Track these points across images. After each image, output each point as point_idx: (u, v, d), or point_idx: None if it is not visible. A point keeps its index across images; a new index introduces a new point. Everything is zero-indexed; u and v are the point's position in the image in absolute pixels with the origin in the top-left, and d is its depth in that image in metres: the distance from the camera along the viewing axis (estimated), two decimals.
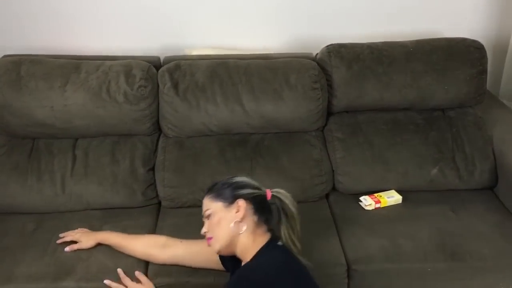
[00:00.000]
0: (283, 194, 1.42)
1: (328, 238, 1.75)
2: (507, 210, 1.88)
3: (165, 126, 2.04)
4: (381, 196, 1.92)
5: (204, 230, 1.43)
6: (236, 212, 1.37)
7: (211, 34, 2.33)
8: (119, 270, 1.58)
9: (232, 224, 1.36)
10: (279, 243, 1.37)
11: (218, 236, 1.39)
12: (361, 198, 1.92)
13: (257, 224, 1.38)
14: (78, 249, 1.67)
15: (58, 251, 1.69)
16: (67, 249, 1.69)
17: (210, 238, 1.40)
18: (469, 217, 1.84)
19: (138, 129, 2.02)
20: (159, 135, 2.09)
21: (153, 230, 1.82)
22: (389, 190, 1.97)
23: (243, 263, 1.39)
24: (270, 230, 1.41)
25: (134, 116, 1.97)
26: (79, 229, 1.77)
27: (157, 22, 2.28)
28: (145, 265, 1.65)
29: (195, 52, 2.23)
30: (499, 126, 2.08)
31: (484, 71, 2.08)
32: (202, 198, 1.46)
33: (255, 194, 1.40)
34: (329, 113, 2.13)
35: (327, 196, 2.03)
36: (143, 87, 1.95)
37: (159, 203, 1.98)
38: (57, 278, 1.59)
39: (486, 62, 2.08)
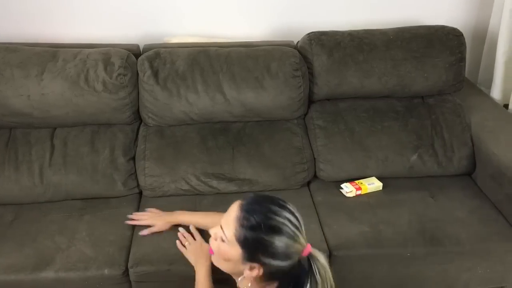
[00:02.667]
0: (318, 261, 1.15)
1: (309, 225, 1.76)
2: (485, 196, 1.91)
3: (145, 115, 2.02)
4: (361, 183, 1.93)
5: (213, 234, 1.23)
6: (248, 270, 1.16)
7: (191, 22, 2.30)
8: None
9: (239, 273, 1.19)
10: None
11: (219, 263, 1.24)
12: (342, 185, 1.94)
13: (266, 283, 1.19)
14: (156, 232, 1.68)
15: (38, 241, 1.67)
16: (144, 232, 1.67)
17: (211, 251, 1.25)
18: (448, 203, 1.87)
19: (118, 118, 2.00)
20: (140, 124, 2.07)
21: None
22: (370, 177, 1.98)
23: None
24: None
25: (114, 105, 1.95)
26: (149, 209, 1.77)
27: (136, 10, 2.25)
28: (126, 253, 1.65)
29: (175, 40, 2.21)
30: (477, 113, 2.11)
31: (462, 59, 2.10)
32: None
33: (279, 268, 1.14)
34: (310, 101, 2.13)
35: (308, 183, 2.03)
36: (122, 75, 1.92)
37: (140, 192, 1.97)
38: (37, 269, 1.58)
39: (465, 50, 2.11)
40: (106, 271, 1.58)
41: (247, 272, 1.16)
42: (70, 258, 1.61)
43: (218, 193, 1.93)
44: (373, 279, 1.74)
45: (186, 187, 1.91)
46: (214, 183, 1.92)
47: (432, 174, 2.01)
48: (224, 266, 1.23)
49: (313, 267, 1.13)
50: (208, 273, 1.45)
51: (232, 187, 1.92)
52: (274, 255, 1.12)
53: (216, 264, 1.27)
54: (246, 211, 1.14)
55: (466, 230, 1.74)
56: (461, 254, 1.71)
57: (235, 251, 1.15)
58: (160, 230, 1.69)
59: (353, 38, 2.07)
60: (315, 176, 2.05)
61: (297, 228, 1.14)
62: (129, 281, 1.63)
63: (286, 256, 1.12)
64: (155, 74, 1.96)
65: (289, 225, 1.13)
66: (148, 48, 2.09)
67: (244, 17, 2.33)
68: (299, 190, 1.98)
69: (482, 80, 2.48)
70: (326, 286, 1.14)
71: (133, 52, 2.05)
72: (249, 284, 1.19)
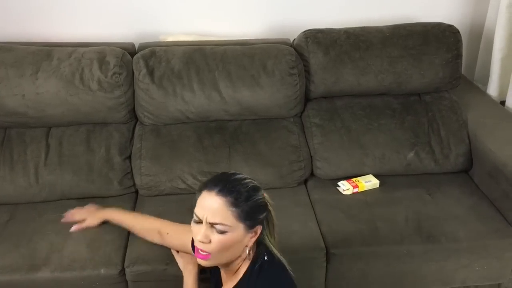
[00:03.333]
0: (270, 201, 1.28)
1: (307, 223, 1.76)
2: (482, 193, 1.91)
3: (141, 114, 2.01)
4: (358, 181, 1.93)
5: (203, 239, 1.18)
6: (253, 237, 1.22)
7: (187, 20, 2.29)
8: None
9: (240, 252, 1.23)
10: (265, 257, 1.24)
11: (221, 258, 1.22)
12: (339, 183, 1.93)
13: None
14: (85, 227, 1.68)
15: (33, 241, 1.66)
16: (73, 229, 1.68)
17: (207, 255, 1.20)
18: (445, 200, 1.87)
19: (114, 117, 1.99)
20: (135, 123, 2.06)
21: None
22: (367, 174, 1.98)
23: (223, 271, 1.31)
24: None
25: (109, 104, 1.94)
26: (86, 206, 1.76)
27: (131, 8, 2.24)
28: (123, 253, 1.64)
29: (170, 39, 2.20)
30: (473, 110, 2.11)
31: (459, 56, 2.09)
32: (208, 190, 1.20)
33: (265, 216, 1.25)
34: (306, 99, 2.12)
35: (305, 182, 2.03)
36: (117, 74, 1.91)
37: (137, 191, 1.96)
38: (32, 269, 1.57)
39: (461, 47, 2.10)
40: (102, 271, 1.58)
41: (251, 240, 1.22)
42: (66, 258, 1.60)
43: None
44: (370, 277, 1.73)
45: (182, 186, 1.91)
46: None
47: (429, 171, 2.01)
48: (225, 257, 1.22)
49: (268, 201, 1.26)
50: (195, 280, 1.47)
51: None
52: (263, 207, 1.23)
53: (213, 263, 1.24)
54: (229, 191, 1.19)
55: (463, 227, 1.73)
56: (458, 251, 1.71)
57: (239, 230, 1.19)
58: (90, 225, 1.69)
59: (349, 36, 2.07)
60: (312, 174, 2.04)
61: (251, 178, 1.26)
62: (126, 281, 1.62)
63: (266, 203, 1.25)
64: (151, 72, 1.95)
65: (251, 179, 1.25)
66: (143, 46, 2.08)
67: (240, 15, 2.32)
68: (296, 188, 1.98)
69: (479, 77, 2.48)
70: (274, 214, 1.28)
71: (129, 51, 2.04)
72: (250, 251, 1.24)
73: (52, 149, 1.92)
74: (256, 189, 1.23)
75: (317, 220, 1.78)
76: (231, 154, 1.96)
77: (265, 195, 1.27)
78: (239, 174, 1.26)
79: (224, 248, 1.19)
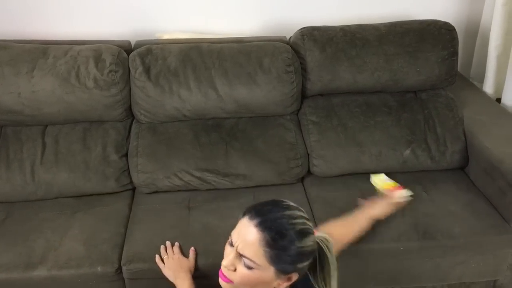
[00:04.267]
0: (323, 238, 1.15)
1: None
2: (478, 189, 1.92)
3: (137, 111, 2.01)
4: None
5: (228, 265, 1.08)
6: (285, 282, 1.09)
7: (183, 18, 2.29)
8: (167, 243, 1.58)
9: None
10: None
11: None
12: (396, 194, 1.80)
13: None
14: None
15: (30, 239, 1.66)
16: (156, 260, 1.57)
17: (229, 281, 1.10)
18: (441, 197, 1.87)
19: (110, 115, 1.99)
20: (132, 121, 2.06)
21: (128, 216, 1.81)
22: (363, 173, 1.98)
23: None
24: None
25: (105, 102, 1.94)
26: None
27: (127, 6, 2.23)
28: (119, 251, 1.64)
29: (166, 36, 2.20)
30: (469, 107, 2.11)
31: (455, 53, 2.10)
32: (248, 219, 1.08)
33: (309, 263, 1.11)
34: (303, 96, 2.12)
35: (302, 179, 2.03)
36: (113, 72, 1.91)
37: (134, 189, 1.96)
38: (29, 267, 1.57)
39: (457, 44, 2.11)
40: (99, 269, 1.58)
41: (283, 285, 1.09)
42: (62, 256, 1.60)
43: (212, 189, 1.92)
44: (367, 274, 1.74)
45: (179, 183, 1.91)
46: (208, 178, 1.92)
47: (425, 168, 2.01)
48: None
49: (322, 245, 1.13)
50: (191, 285, 1.44)
51: (226, 182, 1.92)
52: (308, 256, 1.08)
53: None
54: (268, 228, 1.04)
55: (459, 224, 1.74)
56: (455, 248, 1.72)
57: (269, 272, 1.06)
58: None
59: (345, 33, 2.07)
60: (308, 172, 2.04)
61: (308, 220, 1.11)
62: (123, 279, 1.63)
63: (314, 251, 1.10)
64: (147, 70, 1.95)
65: (306, 221, 1.09)
66: (139, 44, 2.08)
67: (236, 13, 2.32)
68: (293, 186, 1.98)
69: (475, 74, 2.49)
70: (334, 256, 1.15)
71: (125, 49, 2.04)
72: None
73: (48, 147, 1.92)
74: (304, 234, 1.06)
75: (314, 218, 1.79)
76: (228, 151, 1.96)
77: (319, 239, 1.12)
78: (292, 208, 1.09)
79: (247, 283, 1.08)
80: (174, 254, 1.59)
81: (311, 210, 1.83)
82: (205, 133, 2.01)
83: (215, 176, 1.92)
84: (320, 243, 1.13)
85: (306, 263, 1.09)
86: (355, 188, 1.92)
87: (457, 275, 1.77)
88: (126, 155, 1.96)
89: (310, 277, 1.15)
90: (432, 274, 1.76)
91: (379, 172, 1.96)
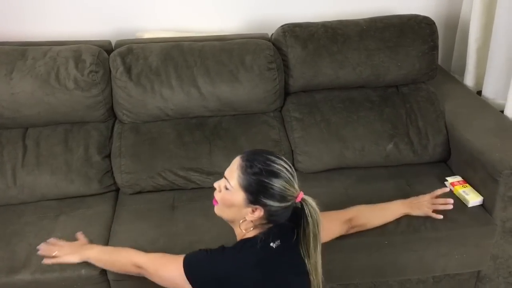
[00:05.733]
0: (311, 205, 1.29)
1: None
2: None
3: (119, 112, 2.00)
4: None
5: (215, 185, 1.35)
6: (251, 213, 1.28)
7: (164, 17, 2.28)
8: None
9: (240, 218, 1.30)
10: (272, 244, 1.28)
11: (223, 212, 1.34)
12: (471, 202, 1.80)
13: (262, 225, 1.31)
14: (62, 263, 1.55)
15: (12, 243, 1.64)
16: (46, 261, 1.56)
17: (215, 202, 1.35)
18: (424, 190, 1.86)
19: (92, 116, 1.97)
20: (114, 121, 2.04)
21: (112, 217, 1.79)
22: (347, 168, 1.98)
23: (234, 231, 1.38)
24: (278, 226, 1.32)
25: (87, 103, 1.92)
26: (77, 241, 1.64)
27: (107, 5, 2.21)
28: None
29: (147, 35, 2.18)
30: (450, 100, 2.13)
31: (435, 47, 2.12)
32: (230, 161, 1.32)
33: (279, 208, 1.27)
34: (286, 93, 2.13)
35: None
36: (94, 72, 1.89)
37: (117, 190, 1.95)
38: (12, 272, 1.56)
39: (437, 38, 2.12)
40: (83, 272, 1.56)
41: (249, 215, 1.28)
42: None
43: (197, 188, 1.92)
44: (352, 268, 1.75)
45: (163, 182, 1.90)
46: (192, 177, 1.91)
47: (408, 162, 2.03)
48: (227, 213, 1.33)
49: (306, 210, 1.28)
50: (99, 248, 1.57)
51: (210, 181, 1.91)
52: (273, 196, 1.24)
53: (218, 213, 1.36)
54: (248, 160, 1.27)
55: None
56: (438, 240, 1.73)
57: (239, 196, 1.27)
58: (68, 262, 1.55)
59: (326, 29, 2.08)
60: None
61: (291, 174, 1.28)
62: (108, 281, 1.62)
63: (283, 198, 1.25)
64: (128, 70, 1.94)
65: (285, 171, 1.26)
66: (120, 44, 2.06)
67: (217, 10, 2.31)
68: None
69: (456, 68, 2.51)
70: (315, 226, 1.29)
71: (105, 49, 2.02)
72: (251, 227, 1.31)
73: (29, 150, 1.90)
74: (273, 174, 1.24)
75: None
76: (212, 150, 1.96)
77: (304, 201, 1.27)
78: (279, 159, 1.28)
79: (225, 203, 1.31)
80: (56, 245, 1.59)
81: None
82: (189, 132, 2.00)
83: (199, 175, 1.91)
84: (304, 205, 1.28)
85: (272, 203, 1.25)
86: (339, 183, 1.94)
87: (441, 267, 1.79)
88: (109, 156, 1.95)
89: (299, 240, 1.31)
90: (417, 266, 1.78)
91: (362, 168, 1.97)
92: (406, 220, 1.73)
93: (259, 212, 1.27)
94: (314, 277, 1.33)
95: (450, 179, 1.90)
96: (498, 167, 1.69)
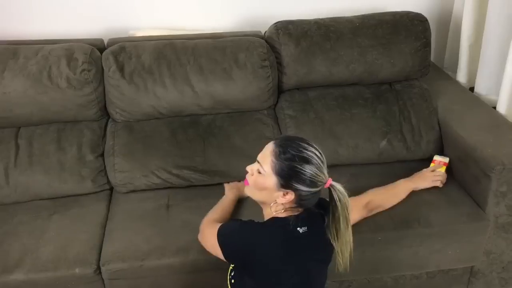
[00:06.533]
0: (339, 191, 1.33)
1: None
2: (453, 178, 1.93)
3: (112, 110, 1.99)
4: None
5: (248, 169, 1.39)
6: (282, 197, 1.32)
7: (157, 15, 2.27)
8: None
9: (271, 201, 1.34)
10: (300, 229, 1.33)
11: (254, 194, 1.39)
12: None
13: (292, 209, 1.35)
14: None
15: (5, 243, 1.64)
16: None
17: (247, 183, 1.40)
18: None
19: (85, 115, 1.96)
20: (107, 120, 2.04)
21: (106, 216, 1.79)
22: (341, 165, 1.99)
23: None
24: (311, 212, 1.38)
25: (79, 102, 1.91)
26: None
27: (99, 3, 2.20)
28: (98, 251, 1.63)
29: (140, 34, 2.18)
30: (443, 97, 2.14)
31: (428, 44, 2.12)
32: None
33: (309, 193, 1.31)
34: (279, 91, 2.13)
35: None
36: (86, 71, 1.89)
37: (111, 189, 1.94)
38: (5, 271, 1.55)
39: (430, 35, 2.13)
40: (77, 270, 1.56)
41: (280, 199, 1.32)
42: (39, 259, 1.58)
43: (191, 186, 1.92)
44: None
45: (157, 181, 1.90)
46: (186, 175, 1.91)
47: (401, 158, 2.03)
48: (258, 195, 1.38)
49: (334, 195, 1.32)
50: (234, 198, 1.74)
51: (204, 179, 1.92)
52: (304, 181, 1.28)
53: (250, 194, 1.41)
54: (281, 145, 1.31)
55: (435, 212, 1.76)
56: (431, 236, 1.74)
57: (271, 180, 1.30)
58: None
59: (319, 27, 2.08)
60: None
61: (322, 161, 1.32)
62: (102, 279, 1.61)
63: (313, 183, 1.29)
64: (121, 68, 1.93)
65: (316, 158, 1.31)
66: (112, 42, 2.05)
67: (211, 8, 2.31)
68: None
69: (448, 65, 2.52)
70: (345, 209, 1.34)
71: (98, 47, 2.01)
72: (282, 209, 1.34)
73: (22, 150, 1.89)
74: (305, 160, 1.28)
75: None
76: (205, 148, 1.96)
77: (332, 187, 1.31)
78: (311, 146, 1.32)
79: (256, 186, 1.35)
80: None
81: None
82: (182, 130, 2.00)
83: (193, 173, 1.91)
84: (333, 191, 1.32)
85: (303, 187, 1.28)
86: (333, 180, 1.93)
87: (435, 262, 1.80)
88: (102, 155, 1.94)
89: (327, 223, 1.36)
90: (411, 262, 1.78)
91: (356, 165, 1.98)
92: (399, 216, 1.74)
93: (290, 196, 1.31)
94: (341, 256, 1.39)
95: (437, 157, 1.97)
96: (491, 162, 1.70)
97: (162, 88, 1.94)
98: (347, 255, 1.40)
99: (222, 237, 1.37)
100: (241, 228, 1.38)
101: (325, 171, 1.33)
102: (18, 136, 1.92)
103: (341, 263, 1.39)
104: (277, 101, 2.13)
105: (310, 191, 1.30)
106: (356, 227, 1.70)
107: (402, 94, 2.13)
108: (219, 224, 1.42)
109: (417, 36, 2.10)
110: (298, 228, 1.33)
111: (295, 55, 2.04)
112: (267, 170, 1.31)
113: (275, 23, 2.11)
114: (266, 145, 1.36)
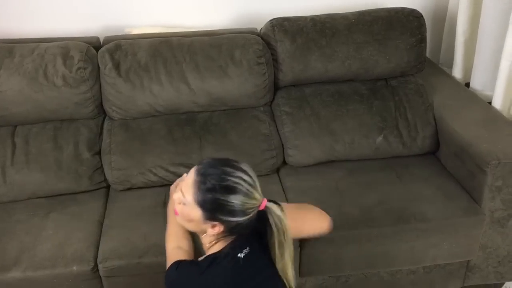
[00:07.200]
0: (275, 214, 1.24)
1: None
2: (449, 173, 1.96)
3: (109, 108, 1.99)
4: None
5: (175, 198, 1.30)
6: (211, 228, 1.25)
7: (152, 13, 2.27)
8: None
9: (201, 232, 1.30)
10: (240, 254, 1.25)
11: (184, 224, 1.34)
12: None
13: (226, 236, 1.28)
14: None
15: (3, 242, 1.64)
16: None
17: (176, 212, 1.33)
18: (414, 182, 1.90)
19: (81, 113, 1.96)
20: (104, 118, 2.04)
21: (103, 214, 1.79)
22: (337, 161, 2.00)
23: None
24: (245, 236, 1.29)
25: (75, 100, 1.91)
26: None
27: (95, 1, 2.20)
28: (95, 249, 1.63)
29: (136, 31, 2.18)
30: (439, 92, 2.15)
31: (423, 40, 2.13)
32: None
33: (238, 223, 1.22)
34: (276, 87, 2.13)
35: (278, 170, 2.04)
36: (82, 69, 1.89)
37: (108, 186, 1.94)
38: (3, 269, 1.56)
39: (425, 31, 2.13)
40: (74, 268, 1.56)
41: (209, 230, 1.25)
42: (37, 257, 1.58)
43: None
44: (343, 260, 1.76)
45: (154, 178, 1.90)
46: (183, 172, 1.85)
47: (397, 154, 2.04)
48: (188, 226, 1.34)
49: (270, 219, 1.24)
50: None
51: None
52: (231, 212, 1.20)
53: (181, 223, 1.37)
54: (202, 174, 1.22)
55: (431, 207, 1.77)
56: (428, 231, 1.75)
57: (196, 212, 1.23)
58: None
59: (315, 23, 2.08)
60: (284, 162, 2.05)
61: (251, 185, 1.22)
62: (99, 277, 1.62)
63: (242, 212, 1.21)
64: (117, 66, 1.93)
65: (243, 183, 1.21)
66: (108, 40, 2.05)
67: (206, 6, 2.30)
68: (268, 177, 1.99)
69: (444, 60, 2.53)
70: (281, 234, 1.25)
71: (93, 45, 2.01)
72: (213, 241, 1.29)
73: (18, 148, 1.89)
74: (230, 190, 1.19)
75: None
76: (202, 145, 1.96)
77: (268, 209, 1.22)
78: (237, 168, 1.22)
79: (183, 217, 1.30)
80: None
81: (287, 200, 1.84)
82: (179, 127, 2.00)
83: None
84: (268, 214, 1.24)
85: (231, 218, 1.21)
86: (329, 176, 1.95)
87: (431, 257, 1.81)
88: (99, 152, 1.94)
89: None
90: (407, 257, 1.79)
91: (353, 161, 1.99)
92: (396, 212, 1.75)
93: (219, 228, 1.24)
94: (285, 282, 1.29)
95: None
96: (486, 158, 1.71)
97: (158, 85, 1.94)
98: (290, 275, 1.30)
99: (168, 285, 1.31)
100: (181, 277, 1.29)
101: (258, 194, 1.23)
102: (14, 135, 1.92)
103: (285, 283, 1.30)
104: (273, 98, 2.13)
105: (241, 220, 1.21)
106: (352, 223, 1.71)
107: (398, 90, 2.13)
108: (172, 258, 1.35)
109: (413, 32, 2.10)
110: (239, 254, 1.24)
111: (291, 52, 2.04)
112: (190, 202, 1.23)
113: (270, 20, 2.11)
114: (190, 171, 1.27)
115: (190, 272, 1.29)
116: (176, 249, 1.44)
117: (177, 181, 1.61)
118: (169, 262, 1.38)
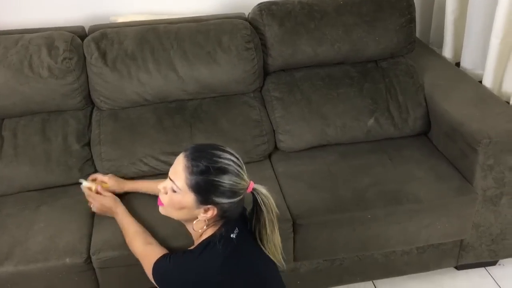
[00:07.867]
0: (262, 194, 1.28)
1: (272, 196, 1.76)
2: (441, 153, 1.96)
3: (97, 98, 1.97)
4: None
5: (161, 188, 1.30)
6: (203, 213, 1.26)
7: (138, 0, 2.23)
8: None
9: (193, 219, 1.29)
10: (232, 235, 1.28)
11: (172, 213, 1.31)
12: None
13: (217, 221, 1.30)
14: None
15: None
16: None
17: (161, 203, 1.31)
18: (406, 163, 1.90)
19: (69, 104, 1.94)
20: (92, 109, 2.01)
21: None
22: (330, 144, 1.99)
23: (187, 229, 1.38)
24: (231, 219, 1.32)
25: (62, 91, 1.88)
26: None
27: None
28: (88, 240, 1.62)
29: (121, 20, 2.14)
30: (429, 73, 2.14)
31: (412, 20, 2.11)
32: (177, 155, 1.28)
33: (232, 204, 1.25)
34: (265, 73, 2.11)
35: (270, 155, 2.03)
36: (68, 59, 1.86)
37: None
38: None
39: (414, 11, 2.12)
40: (67, 260, 1.55)
41: (202, 215, 1.26)
42: (29, 250, 1.57)
43: None
44: (337, 244, 1.76)
45: (145, 168, 1.88)
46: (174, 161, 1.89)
47: (389, 136, 2.04)
48: (177, 215, 1.31)
49: (258, 199, 1.27)
50: (125, 213, 1.61)
51: None
52: (224, 193, 1.22)
53: (167, 214, 1.33)
54: (193, 159, 1.23)
55: (424, 188, 1.78)
56: (421, 211, 1.75)
57: (189, 197, 1.24)
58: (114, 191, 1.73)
59: (303, 6, 2.06)
60: (275, 148, 2.04)
61: (239, 167, 1.25)
62: (93, 269, 1.61)
63: (234, 193, 1.24)
64: (103, 55, 1.90)
65: (233, 164, 1.24)
66: (94, 29, 2.02)
67: None
68: (260, 163, 1.98)
69: (434, 40, 2.51)
70: (270, 212, 1.29)
71: (78, 34, 1.98)
72: (204, 226, 1.29)
73: (6, 141, 1.86)
74: (220, 170, 1.21)
75: (282, 193, 1.80)
76: (193, 133, 1.94)
77: (256, 191, 1.26)
78: (225, 151, 1.25)
79: (173, 206, 1.27)
80: (96, 199, 1.67)
81: (279, 185, 1.84)
82: (168, 116, 1.98)
83: None
84: (256, 195, 1.27)
85: (224, 200, 1.23)
86: (321, 161, 1.94)
87: (424, 237, 1.81)
88: (88, 144, 1.92)
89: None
90: (401, 238, 1.80)
91: (345, 144, 1.98)
92: (389, 193, 1.75)
93: (212, 211, 1.25)
94: (274, 258, 1.34)
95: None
96: (477, 136, 1.71)
97: (146, 74, 1.92)
98: (278, 257, 1.34)
99: (158, 277, 1.31)
100: (174, 264, 1.30)
101: (245, 176, 1.26)
102: (2, 128, 1.89)
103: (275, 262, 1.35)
104: (263, 84, 2.12)
105: (233, 202, 1.24)
106: (345, 206, 1.71)
107: (388, 71, 2.12)
108: (156, 258, 1.34)
109: (402, 12, 2.08)
110: (232, 235, 1.27)
111: (280, 36, 2.02)
112: (182, 187, 1.23)
113: (258, 4, 2.08)
114: (176, 159, 1.27)
115: (185, 260, 1.29)
116: (147, 245, 1.47)
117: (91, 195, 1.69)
118: (147, 259, 1.39)
